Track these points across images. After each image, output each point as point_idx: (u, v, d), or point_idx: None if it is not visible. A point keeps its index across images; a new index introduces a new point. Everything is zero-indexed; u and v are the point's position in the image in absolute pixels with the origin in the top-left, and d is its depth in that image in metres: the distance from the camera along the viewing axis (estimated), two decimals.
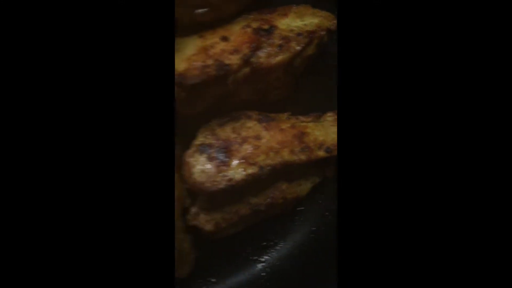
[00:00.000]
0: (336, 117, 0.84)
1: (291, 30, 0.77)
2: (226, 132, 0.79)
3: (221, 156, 0.75)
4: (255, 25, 0.75)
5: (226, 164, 0.75)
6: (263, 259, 0.82)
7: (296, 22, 0.79)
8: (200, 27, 0.74)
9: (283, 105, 0.84)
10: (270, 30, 0.75)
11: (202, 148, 0.76)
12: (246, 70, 0.72)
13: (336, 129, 0.82)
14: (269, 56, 0.73)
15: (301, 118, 0.83)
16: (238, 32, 0.74)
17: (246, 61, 0.71)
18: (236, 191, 0.76)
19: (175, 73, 0.68)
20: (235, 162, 0.75)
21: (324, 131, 0.82)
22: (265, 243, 0.83)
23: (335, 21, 0.80)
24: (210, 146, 0.77)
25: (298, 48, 0.75)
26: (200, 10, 0.70)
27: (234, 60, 0.70)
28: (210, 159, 0.75)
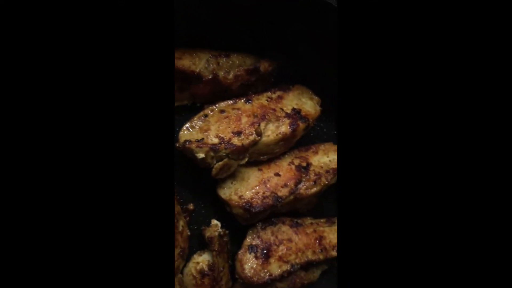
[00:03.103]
0: None
1: (321, 167, 1.07)
2: (267, 235, 1.07)
3: (264, 256, 1.03)
4: (296, 162, 1.05)
5: (268, 262, 1.03)
6: None
7: (323, 158, 1.10)
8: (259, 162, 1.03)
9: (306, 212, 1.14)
10: (307, 167, 1.05)
11: (251, 249, 1.04)
12: (291, 198, 1.01)
13: None
14: (307, 188, 1.03)
15: (320, 223, 1.13)
16: (286, 169, 1.03)
17: (292, 193, 1.00)
18: (272, 281, 1.04)
19: (244, 200, 0.95)
20: (273, 260, 1.03)
21: (336, 235, 1.12)
22: None
23: None
24: (256, 246, 1.04)
25: (326, 182, 1.05)
26: (263, 157, 0.99)
27: (284, 192, 0.99)
28: (257, 257, 1.03)
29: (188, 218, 1.02)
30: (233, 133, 0.90)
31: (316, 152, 1.11)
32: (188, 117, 0.97)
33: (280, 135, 0.97)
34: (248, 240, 1.05)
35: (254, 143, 0.92)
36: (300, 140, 1.12)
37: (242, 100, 0.97)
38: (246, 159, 0.95)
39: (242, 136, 0.91)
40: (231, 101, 0.96)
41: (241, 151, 0.91)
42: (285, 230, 1.08)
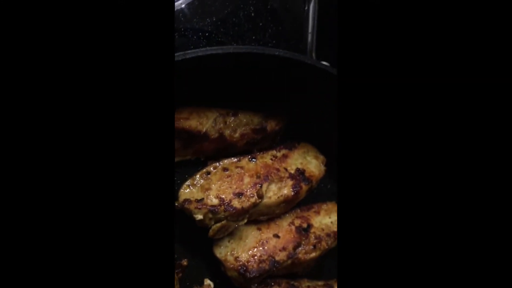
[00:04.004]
0: None
1: (322, 229, 1.04)
2: None
3: None
4: (297, 223, 1.02)
5: None
6: None
7: (325, 219, 1.07)
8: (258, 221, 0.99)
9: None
10: (308, 229, 1.02)
11: None
12: (288, 262, 0.97)
13: None
14: (305, 253, 0.99)
15: (318, 286, 1.08)
16: (285, 229, 0.99)
17: (290, 257, 0.96)
18: None
19: (239, 263, 0.92)
20: None
21: None
22: None
23: None
24: None
25: (326, 247, 1.02)
26: (263, 217, 0.96)
27: (282, 256, 0.95)
28: None
29: (180, 274, 0.98)
30: (234, 194, 0.88)
31: (318, 213, 1.07)
32: (190, 170, 0.95)
33: (281, 198, 0.94)
34: None
35: (255, 205, 0.90)
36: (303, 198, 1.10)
37: (247, 158, 0.95)
38: (245, 221, 0.92)
39: (243, 198, 0.88)
40: (235, 159, 0.94)
41: (240, 213, 0.88)
42: None
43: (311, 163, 1.05)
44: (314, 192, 1.16)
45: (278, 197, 0.94)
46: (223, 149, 0.94)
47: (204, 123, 0.86)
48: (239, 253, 0.95)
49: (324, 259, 1.11)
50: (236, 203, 0.87)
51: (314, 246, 1.01)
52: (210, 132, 0.88)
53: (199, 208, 0.85)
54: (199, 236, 0.98)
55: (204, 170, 0.92)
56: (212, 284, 0.96)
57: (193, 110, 0.88)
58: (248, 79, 0.90)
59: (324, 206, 1.10)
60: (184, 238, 1.00)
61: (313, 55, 1.00)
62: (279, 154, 1.01)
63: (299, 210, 1.07)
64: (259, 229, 1.00)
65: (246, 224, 1.00)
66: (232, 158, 0.95)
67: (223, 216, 0.87)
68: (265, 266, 0.94)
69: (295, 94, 0.97)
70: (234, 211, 0.86)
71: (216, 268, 0.99)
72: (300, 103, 1.01)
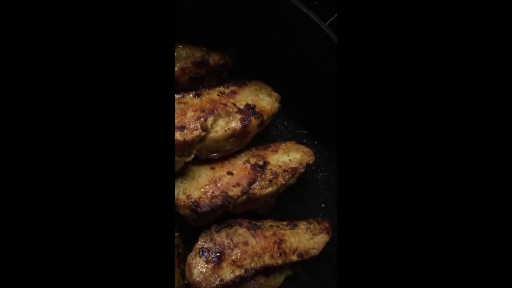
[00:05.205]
0: (308, 225, 1.08)
1: (279, 166, 1.02)
2: (222, 237, 1.01)
3: (215, 259, 0.97)
4: (253, 161, 1.00)
5: (220, 266, 0.97)
6: None
7: (283, 157, 1.05)
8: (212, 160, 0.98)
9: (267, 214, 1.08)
10: (264, 166, 0.99)
11: (201, 252, 0.98)
12: (243, 198, 0.96)
13: (308, 237, 1.06)
14: (261, 188, 0.97)
15: (281, 226, 1.07)
16: (240, 167, 0.98)
17: (244, 192, 0.95)
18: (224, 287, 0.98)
19: (191, 200, 0.90)
20: (226, 264, 0.97)
21: (298, 238, 1.06)
22: None
23: (313, 158, 1.06)
24: (208, 250, 0.99)
25: (283, 182, 1.00)
26: (214, 154, 0.94)
27: (236, 192, 0.94)
28: (207, 261, 0.97)
29: None
30: (176, 127, 0.86)
31: (275, 151, 1.05)
32: None
33: (229, 131, 0.92)
34: (200, 243, 0.99)
35: (200, 139, 0.88)
36: (260, 139, 1.08)
37: (191, 95, 0.93)
38: (192, 156, 0.90)
39: (186, 131, 0.86)
40: (178, 95, 0.92)
41: (183, 146, 0.86)
42: (241, 233, 1.02)
43: (264, 100, 1.02)
44: (273, 134, 1.14)
45: (226, 131, 0.91)
46: None
47: None
48: (191, 192, 0.93)
49: (287, 201, 1.10)
50: (178, 136, 0.85)
51: (271, 181, 0.99)
52: None
53: None
54: None
55: None
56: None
57: None
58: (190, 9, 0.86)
59: (283, 146, 1.08)
60: None
61: None
62: (227, 91, 0.98)
63: (255, 149, 1.05)
64: (212, 168, 0.98)
65: (199, 164, 0.98)
66: (176, 95, 0.93)
67: None
68: (218, 201, 0.93)
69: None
70: (175, 143, 0.84)
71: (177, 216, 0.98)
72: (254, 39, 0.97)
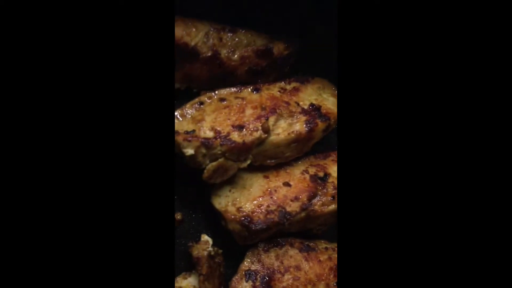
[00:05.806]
0: None
1: None
2: (271, 259, 0.86)
3: (264, 286, 0.83)
4: (311, 171, 0.85)
5: None
6: None
7: None
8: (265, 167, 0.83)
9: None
10: (325, 179, 0.85)
11: (248, 275, 0.83)
12: (302, 215, 0.81)
13: None
14: (323, 204, 0.82)
15: (337, 249, 0.91)
16: (297, 178, 0.83)
17: (303, 209, 0.80)
18: None
19: (242, 213, 0.76)
20: None
21: None
22: None
23: None
24: (255, 273, 0.84)
25: None
26: (271, 161, 0.80)
27: (294, 207, 0.79)
28: (255, 287, 0.82)
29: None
30: (233, 126, 0.72)
31: (336, 161, 0.90)
32: (179, 103, 0.79)
33: (293, 135, 0.77)
34: (246, 264, 0.85)
35: (260, 141, 0.73)
36: (318, 145, 0.93)
37: (249, 89, 0.79)
38: (248, 162, 0.76)
39: (245, 131, 0.72)
40: (234, 89, 0.78)
41: (241, 150, 0.72)
42: (293, 255, 0.88)
43: (328, 100, 0.88)
44: (331, 140, 0.99)
45: (289, 134, 0.77)
46: (220, 78, 0.78)
47: (192, 35, 0.70)
48: (243, 203, 0.79)
49: None
50: (235, 137, 0.71)
51: (333, 197, 0.84)
52: (201, 49, 0.71)
53: (189, 141, 0.69)
54: (196, 187, 0.84)
55: (197, 99, 0.76)
56: (210, 241, 0.81)
57: (179, 18, 0.71)
58: None
59: None
60: (178, 188, 0.85)
61: None
62: (289, 87, 0.84)
63: (313, 158, 0.90)
64: (266, 177, 0.84)
65: (250, 171, 0.84)
66: (231, 88, 0.79)
67: (219, 152, 0.71)
68: (274, 217, 0.78)
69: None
70: (233, 145, 0.70)
71: (216, 223, 0.84)
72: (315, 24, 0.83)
